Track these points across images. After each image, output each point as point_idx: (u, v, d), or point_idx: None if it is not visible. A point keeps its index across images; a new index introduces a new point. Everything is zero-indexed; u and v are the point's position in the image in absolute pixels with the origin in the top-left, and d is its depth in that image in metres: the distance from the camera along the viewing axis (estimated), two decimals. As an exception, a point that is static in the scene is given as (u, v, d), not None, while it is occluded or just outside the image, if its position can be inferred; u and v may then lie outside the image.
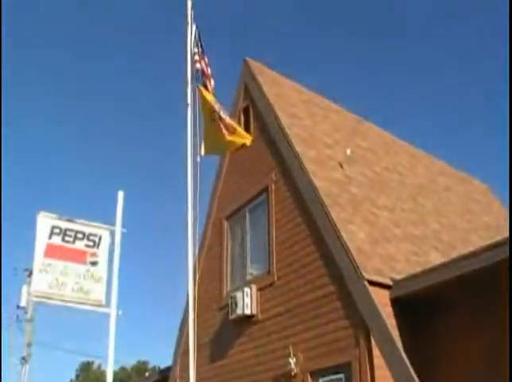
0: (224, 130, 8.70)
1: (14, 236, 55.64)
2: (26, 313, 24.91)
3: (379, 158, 15.04)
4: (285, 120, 12.63)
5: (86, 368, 55.45)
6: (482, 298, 9.03)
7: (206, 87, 9.09)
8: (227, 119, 8.84)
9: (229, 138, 8.75)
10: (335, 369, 9.66)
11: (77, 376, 55.66)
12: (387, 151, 16.16)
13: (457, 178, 18.69)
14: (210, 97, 8.95)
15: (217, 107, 8.88)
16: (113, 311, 11.02)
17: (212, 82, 9.20)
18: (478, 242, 11.57)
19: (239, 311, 11.80)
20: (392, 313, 9.52)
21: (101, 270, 11.24)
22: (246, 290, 11.83)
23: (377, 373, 8.94)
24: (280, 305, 11.19)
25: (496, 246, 8.43)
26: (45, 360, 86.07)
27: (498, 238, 8.96)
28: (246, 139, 8.99)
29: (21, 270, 25.38)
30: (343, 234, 10.06)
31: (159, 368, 24.46)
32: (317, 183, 11.06)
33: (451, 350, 9.41)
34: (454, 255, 10.55)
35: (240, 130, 9.04)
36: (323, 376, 9.92)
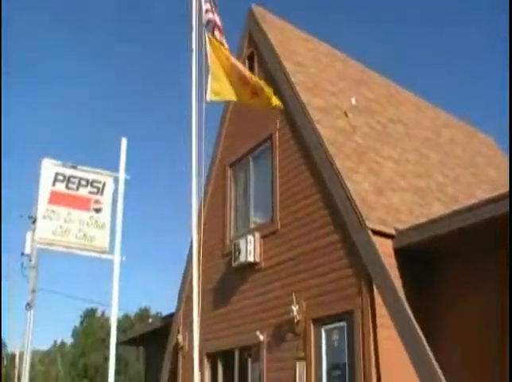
0: (244, 86, 8.47)
1: (19, 184, 55.79)
2: (30, 260, 25.02)
3: (384, 109, 14.89)
4: (289, 68, 12.44)
5: (90, 314, 56.11)
6: (485, 250, 9.04)
7: (216, 37, 8.86)
8: (250, 77, 8.59)
9: (249, 95, 8.51)
10: (338, 317, 9.73)
11: (81, 323, 56.37)
12: (392, 102, 16.00)
13: (463, 131, 18.56)
14: (223, 48, 8.72)
15: (233, 59, 8.68)
16: (116, 258, 11.08)
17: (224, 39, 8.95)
18: (482, 196, 11.51)
19: (242, 259, 11.85)
20: (395, 264, 9.55)
21: (105, 217, 11.25)
22: (250, 237, 11.86)
23: (379, 322, 9.01)
24: (283, 253, 11.23)
25: (498, 199, 8.37)
26: (50, 308, 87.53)
27: (503, 191, 8.91)
28: (273, 102, 8.64)
29: (26, 217, 25.41)
30: (348, 183, 10.01)
31: (161, 314, 24.75)
32: (322, 131, 10.96)
33: (454, 301, 9.47)
34: (457, 208, 10.52)
35: (266, 90, 8.64)
36: (326, 323, 10.01)
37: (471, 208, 8.81)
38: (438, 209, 11.16)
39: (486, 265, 9.08)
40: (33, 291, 25.32)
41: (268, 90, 8.35)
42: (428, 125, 16.62)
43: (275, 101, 8.44)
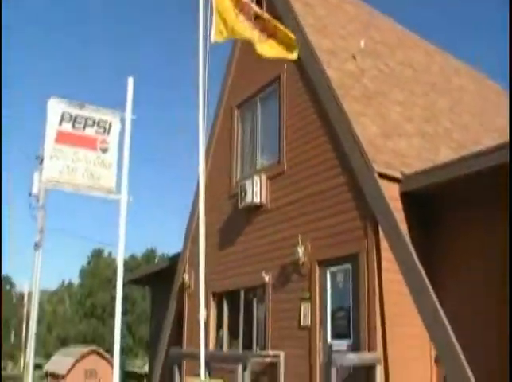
0: (255, 26, 8.28)
1: (25, 124, 55.81)
2: (38, 200, 25.20)
3: (393, 53, 14.68)
4: (298, 9, 12.24)
5: (97, 255, 56.75)
6: (491, 196, 9.04)
7: None
8: (268, 18, 8.40)
9: (264, 42, 8.32)
10: (343, 260, 9.82)
11: (88, 263, 57.07)
12: (401, 46, 15.77)
13: (472, 78, 18.31)
14: None
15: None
16: (123, 198, 11.14)
17: None
18: (489, 144, 11.42)
19: (248, 200, 11.90)
20: (401, 207, 9.59)
21: (111, 156, 11.25)
22: (256, 178, 11.88)
23: (384, 265, 9.10)
24: (289, 194, 11.26)
25: (505, 147, 8.30)
26: (58, 248, 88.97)
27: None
28: (290, 52, 8.47)
29: (33, 157, 25.50)
30: (355, 126, 9.96)
31: (167, 255, 25.00)
32: (330, 73, 10.84)
33: (458, 246, 9.54)
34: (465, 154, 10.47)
35: (285, 34, 8.41)
36: (331, 265, 10.11)
37: (478, 155, 8.77)
38: (445, 155, 11.10)
39: (490, 211, 9.11)
40: (41, 231, 25.60)
41: (289, 35, 8.20)
42: (437, 70, 16.41)
43: (293, 49, 8.30)
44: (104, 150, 11.17)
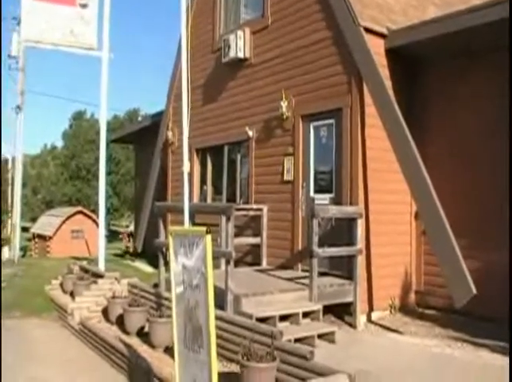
0: None
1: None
2: (18, 62, 24.69)
3: None
4: None
5: (78, 117, 56.33)
6: (476, 54, 8.98)
7: None
8: None
9: None
10: (327, 115, 9.82)
11: (70, 126, 56.77)
12: None
13: None
14: None
15: None
16: (105, 55, 10.95)
17: None
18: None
19: (232, 54, 11.74)
20: (386, 63, 9.51)
21: (91, 12, 10.98)
22: (239, 33, 11.66)
23: (367, 121, 9.14)
24: (273, 49, 11.09)
25: (492, 4, 8.03)
26: (39, 111, 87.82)
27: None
28: None
29: (10, 19, 24.75)
30: (342, -21, 9.63)
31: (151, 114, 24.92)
32: None
33: (443, 102, 9.58)
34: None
35: None
36: (315, 120, 10.14)
37: (464, 12, 8.53)
38: (433, 13, 10.85)
39: (476, 68, 9.09)
40: (22, 93, 25.31)
41: None
42: None
43: None
44: (83, 6, 10.87)
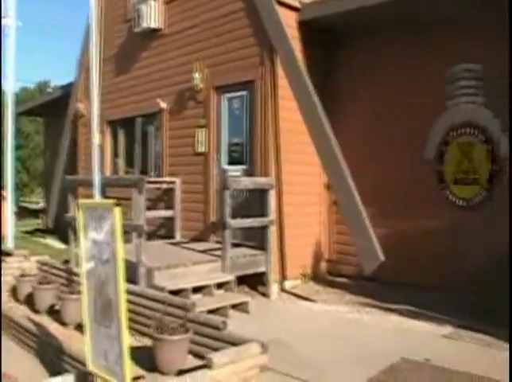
0: None
1: None
2: None
3: None
4: None
5: (-16, 88, 54.10)
6: (390, 29, 9.13)
7: None
8: None
9: None
10: (240, 86, 9.82)
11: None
12: None
13: None
14: None
15: None
16: (11, 22, 10.49)
17: None
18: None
19: (144, 24, 11.52)
20: (298, 37, 9.55)
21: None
22: (152, 2, 11.44)
23: (280, 93, 9.18)
24: (187, 19, 10.94)
25: None
26: None
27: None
28: None
29: None
30: None
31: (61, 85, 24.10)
32: None
33: (357, 75, 9.77)
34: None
35: None
36: (228, 92, 10.12)
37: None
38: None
39: (379, 43, 9.37)
40: None
41: None
42: None
43: None
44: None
